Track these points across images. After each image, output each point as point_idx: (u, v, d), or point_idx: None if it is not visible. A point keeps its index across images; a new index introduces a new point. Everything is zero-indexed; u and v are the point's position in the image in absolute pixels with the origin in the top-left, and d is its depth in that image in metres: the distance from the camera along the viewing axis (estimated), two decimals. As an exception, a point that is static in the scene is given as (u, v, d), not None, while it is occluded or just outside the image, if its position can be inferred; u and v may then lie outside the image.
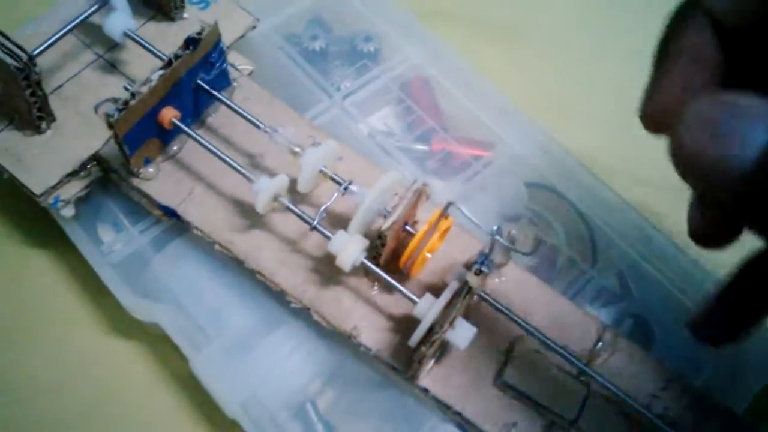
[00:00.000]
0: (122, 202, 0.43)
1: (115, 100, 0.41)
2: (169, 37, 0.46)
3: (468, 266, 0.39)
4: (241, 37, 0.47)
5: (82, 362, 0.43)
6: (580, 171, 0.49)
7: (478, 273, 0.34)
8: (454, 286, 0.36)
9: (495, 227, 0.33)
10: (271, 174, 0.43)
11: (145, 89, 0.37)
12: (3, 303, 0.44)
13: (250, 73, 0.47)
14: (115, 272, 0.41)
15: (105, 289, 0.42)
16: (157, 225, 0.43)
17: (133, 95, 0.36)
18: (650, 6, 0.61)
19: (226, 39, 0.44)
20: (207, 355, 0.39)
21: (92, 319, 0.44)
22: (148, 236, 0.43)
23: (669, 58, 0.27)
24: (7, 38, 0.37)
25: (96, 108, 0.42)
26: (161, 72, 0.37)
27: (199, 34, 0.38)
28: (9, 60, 0.37)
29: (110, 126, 0.36)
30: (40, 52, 0.40)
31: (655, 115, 0.27)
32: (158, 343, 0.43)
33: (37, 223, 0.45)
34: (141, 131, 0.38)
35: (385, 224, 0.36)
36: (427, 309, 0.35)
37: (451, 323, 0.34)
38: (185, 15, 0.47)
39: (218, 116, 0.44)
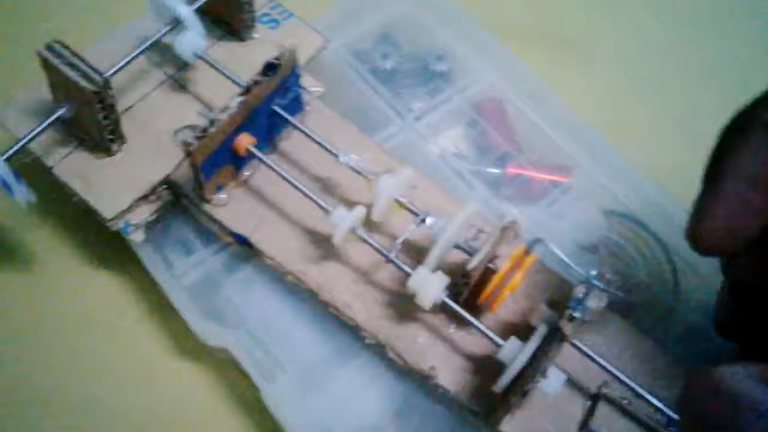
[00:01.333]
0: (193, 222, 0.42)
1: (192, 127, 0.40)
2: (239, 57, 0.45)
3: (551, 305, 0.37)
4: (312, 58, 0.45)
5: (146, 383, 0.42)
6: (662, 198, 0.46)
7: (572, 319, 0.32)
8: (542, 330, 0.34)
9: (594, 272, 0.31)
10: (344, 200, 0.42)
11: (224, 116, 0.35)
12: (68, 321, 0.43)
13: (320, 95, 0.45)
14: (186, 295, 0.40)
15: (170, 310, 0.42)
16: (228, 247, 0.42)
17: (211, 123, 0.35)
18: (728, 30, 0.59)
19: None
20: (280, 386, 0.38)
21: (157, 339, 0.43)
22: (219, 259, 0.42)
23: (722, 178, 0.25)
24: (83, 61, 0.37)
25: (174, 133, 0.41)
26: (240, 99, 0.36)
27: (277, 59, 0.37)
28: (84, 83, 0.36)
29: (188, 154, 0.35)
30: (113, 74, 0.39)
31: (705, 241, 0.25)
32: (223, 367, 0.42)
33: (103, 241, 0.45)
34: (216, 158, 0.37)
35: (472, 263, 0.34)
36: (514, 354, 0.33)
37: (543, 373, 0.32)
38: (255, 35, 0.45)
39: (290, 141, 0.42)
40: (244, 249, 0.41)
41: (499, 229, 0.35)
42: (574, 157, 0.47)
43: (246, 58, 0.45)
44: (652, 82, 0.56)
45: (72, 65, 0.36)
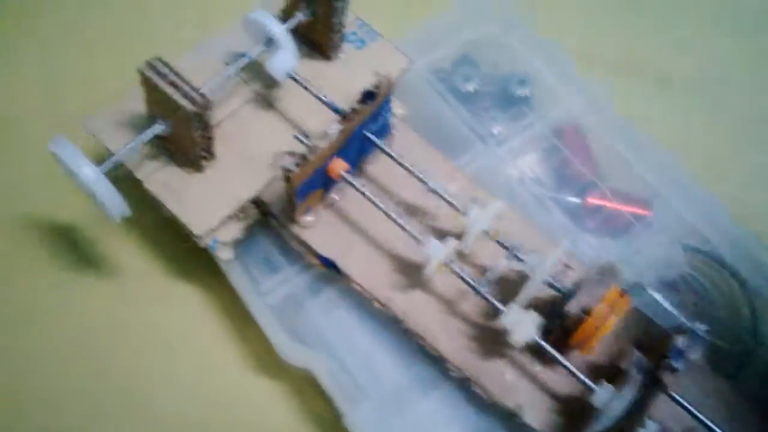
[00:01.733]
0: (278, 239, 0.42)
1: (292, 153, 0.40)
2: (325, 76, 0.44)
3: (641, 348, 0.37)
4: (397, 79, 0.45)
5: (223, 397, 0.42)
6: (745, 236, 0.45)
7: (673, 371, 0.32)
8: (637, 379, 0.33)
9: (704, 327, 0.31)
10: (429, 227, 0.41)
11: (324, 144, 0.35)
12: (147, 331, 0.44)
13: (403, 117, 0.45)
14: (271, 314, 0.40)
15: (247, 325, 0.42)
16: (312, 267, 0.42)
17: (311, 150, 0.35)
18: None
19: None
20: (363, 412, 0.38)
21: (234, 354, 0.44)
22: (304, 278, 0.42)
23: None
24: (184, 80, 0.37)
25: (274, 158, 0.41)
26: (339, 127, 0.36)
27: (377, 87, 0.37)
28: (186, 103, 0.36)
29: (287, 180, 0.35)
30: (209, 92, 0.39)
31: None
32: (299, 385, 0.42)
33: (183, 254, 0.45)
34: (311, 183, 0.37)
35: (570, 306, 0.33)
36: (608, 400, 0.33)
37: (642, 423, 0.32)
38: (341, 54, 0.45)
39: (377, 165, 0.42)
40: (329, 271, 0.41)
41: (598, 270, 0.34)
42: (656, 188, 0.46)
43: (332, 78, 0.44)
44: (736, 115, 0.55)
45: (173, 84, 0.36)
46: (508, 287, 0.39)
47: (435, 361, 0.39)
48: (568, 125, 0.49)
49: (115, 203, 0.37)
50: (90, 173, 0.35)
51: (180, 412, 0.41)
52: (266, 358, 0.42)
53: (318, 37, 0.44)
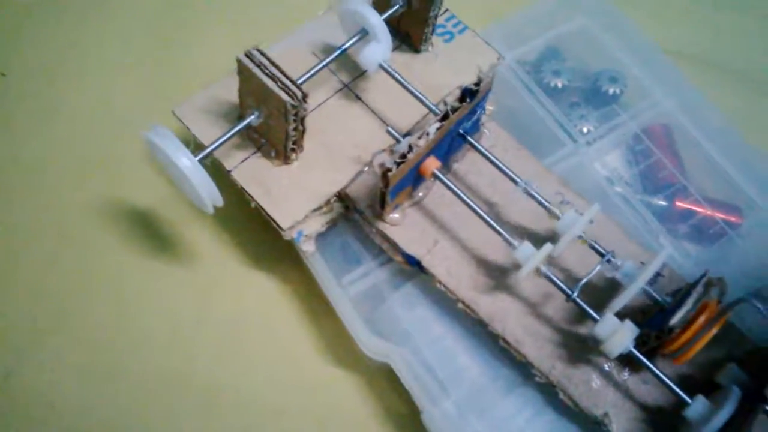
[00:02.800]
0: (359, 232, 0.42)
1: (391, 152, 0.39)
2: (413, 68, 0.44)
3: (741, 363, 0.36)
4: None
5: (299, 386, 0.43)
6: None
7: (778, 391, 0.31)
8: (736, 394, 0.33)
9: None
10: (517, 228, 0.41)
11: (422, 143, 0.35)
12: (226, 318, 0.44)
13: (491, 113, 0.44)
14: (352, 306, 0.40)
15: (324, 316, 0.42)
16: (393, 261, 0.41)
17: (410, 148, 0.35)
18: None
19: (471, 77, 0.42)
20: (444, 410, 0.38)
21: (310, 344, 0.44)
22: (385, 271, 0.41)
23: None
24: (282, 72, 0.36)
25: (373, 157, 0.41)
26: (438, 125, 0.35)
27: (477, 85, 0.36)
28: (285, 96, 0.36)
29: (385, 179, 0.35)
30: (302, 83, 0.39)
31: None
32: (376, 379, 0.42)
33: (262, 242, 0.45)
34: (404, 181, 0.37)
35: (675, 319, 0.33)
36: (703, 415, 0.33)
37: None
38: (429, 47, 0.44)
39: (464, 163, 0.42)
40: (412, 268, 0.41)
41: (703, 284, 0.33)
42: (748, 195, 0.45)
43: (419, 70, 0.44)
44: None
45: (272, 76, 0.36)
46: (594, 292, 0.38)
47: (518, 362, 0.38)
48: (657, 125, 0.47)
49: (211, 193, 0.37)
50: (188, 163, 0.35)
51: (260, 397, 0.42)
52: (342, 350, 0.43)
53: (410, 28, 0.43)
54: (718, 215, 0.44)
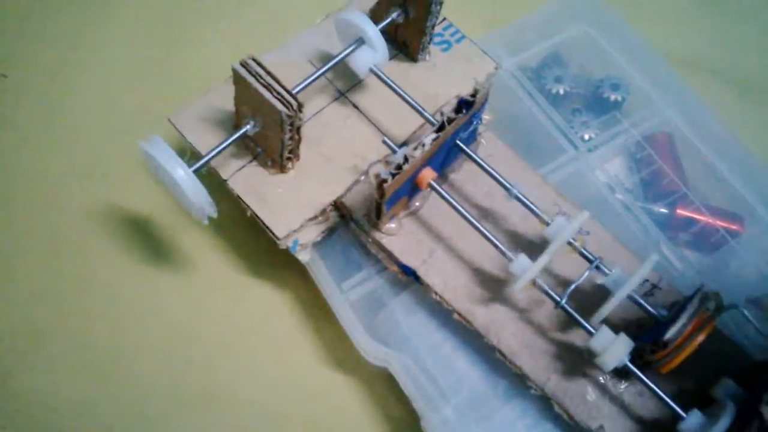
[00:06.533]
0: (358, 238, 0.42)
1: (387, 162, 0.39)
2: (410, 78, 0.44)
3: (735, 378, 0.35)
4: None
5: (299, 390, 0.43)
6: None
7: (774, 406, 0.31)
8: (730, 409, 0.32)
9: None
10: (511, 237, 0.41)
11: (418, 153, 0.35)
12: (225, 324, 0.44)
13: (488, 123, 0.44)
14: (352, 311, 0.40)
15: (324, 321, 0.42)
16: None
17: (406, 159, 0.34)
18: None
19: (468, 86, 0.42)
20: (443, 417, 0.38)
21: (310, 349, 0.44)
22: (385, 277, 0.41)
23: None
24: (278, 81, 0.36)
25: (368, 167, 0.40)
26: (434, 136, 0.35)
27: (473, 96, 0.36)
28: (280, 106, 0.36)
29: (380, 189, 0.35)
30: (298, 92, 0.39)
31: None
32: (375, 385, 0.42)
33: (261, 249, 0.45)
34: (399, 191, 0.37)
35: (670, 333, 0.33)
36: (698, 429, 0.32)
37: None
38: (426, 56, 0.44)
39: (460, 173, 0.42)
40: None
41: (699, 299, 0.33)
42: (750, 203, 0.45)
43: (416, 79, 0.44)
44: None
45: (267, 85, 0.36)
46: (586, 301, 0.38)
47: (513, 371, 0.38)
48: (659, 133, 0.47)
49: (206, 204, 0.37)
50: (183, 175, 0.35)
51: (258, 401, 0.42)
52: (341, 356, 0.43)
53: (408, 38, 0.43)
54: (720, 224, 0.44)
